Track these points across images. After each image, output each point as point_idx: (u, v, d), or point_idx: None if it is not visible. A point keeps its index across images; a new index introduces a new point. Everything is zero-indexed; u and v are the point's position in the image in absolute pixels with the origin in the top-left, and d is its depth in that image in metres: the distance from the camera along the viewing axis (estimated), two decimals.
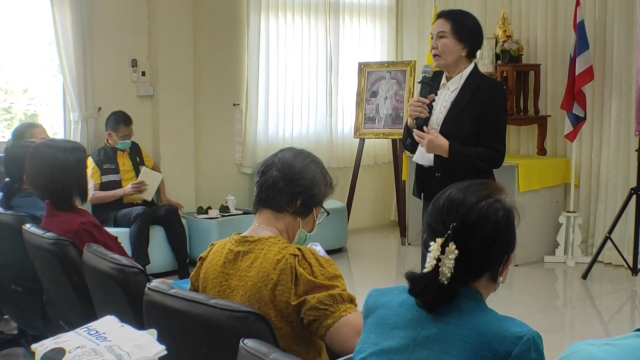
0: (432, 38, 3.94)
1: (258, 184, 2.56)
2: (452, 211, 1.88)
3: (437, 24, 3.91)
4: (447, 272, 1.81)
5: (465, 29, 3.87)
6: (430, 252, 1.84)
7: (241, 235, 2.52)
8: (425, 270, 1.84)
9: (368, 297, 2.03)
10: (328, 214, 2.67)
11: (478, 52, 7.43)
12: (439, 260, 1.82)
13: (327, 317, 2.28)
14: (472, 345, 1.77)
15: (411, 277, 1.88)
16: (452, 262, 1.81)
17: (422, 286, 1.84)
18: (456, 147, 3.78)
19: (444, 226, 1.86)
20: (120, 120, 6.72)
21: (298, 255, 2.34)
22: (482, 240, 1.86)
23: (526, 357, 1.74)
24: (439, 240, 1.83)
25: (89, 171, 6.30)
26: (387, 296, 1.98)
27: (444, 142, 3.78)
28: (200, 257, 2.62)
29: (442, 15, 3.96)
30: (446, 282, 1.82)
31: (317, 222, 2.63)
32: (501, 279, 1.93)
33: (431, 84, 3.92)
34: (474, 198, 1.89)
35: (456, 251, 1.81)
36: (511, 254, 1.92)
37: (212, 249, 2.60)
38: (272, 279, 2.33)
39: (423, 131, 3.88)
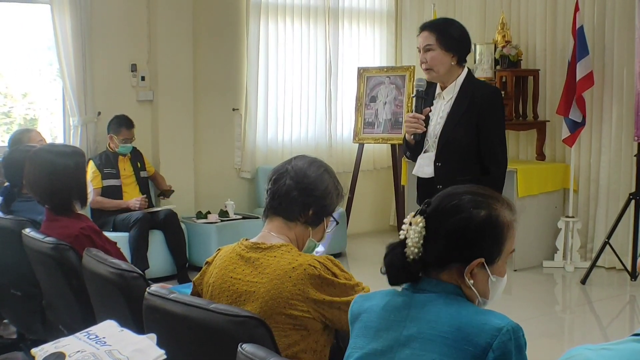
0: (419, 51, 3.88)
1: (270, 192, 2.55)
2: (440, 197, 1.97)
3: (422, 37, 3.84)
4: (411, 245, 1.88)
5: (450, 38, 3.82)
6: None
7: (251, 241, 2.51)
8: (399, 238, 1.93)
9: (353, 304, 2.05)
10: (338, 223, 2.68)
11: (477, 58, 7.49)
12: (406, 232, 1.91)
13: None
14: (452, 340, 1.78)
15: (387, 245, 1.97)
16: (417, 235, 1.89)
17: (388, 250, 1.94)
18: None
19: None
20: (123, 123, 6.73)
21: (317, 267, 2.35)
22: (448, 229, 1.90)
23: (506, 348, 1.75)
24: (412, 213, 1.93)
25: (90, 175, 6.40)
26: (371, 300, 2.01)
27: None
28: (207, 262, 2.62)
29: (425, 27, 3.88)
30: (411, 258, 1.89)
31: (327, 232, 2.64)
32: (471, 282, 1.91)
33: (426, 97, 3.90)
34: (467, 192, 1.96)
35: (423, 226, 1.89)
36: (481, 259, 1.91)
37: (218, 253, 2.59)
38: (286, 287, 2.33)
39: (422, 144, 3.88)
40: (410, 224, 1.91)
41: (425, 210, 1.92)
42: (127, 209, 6.60)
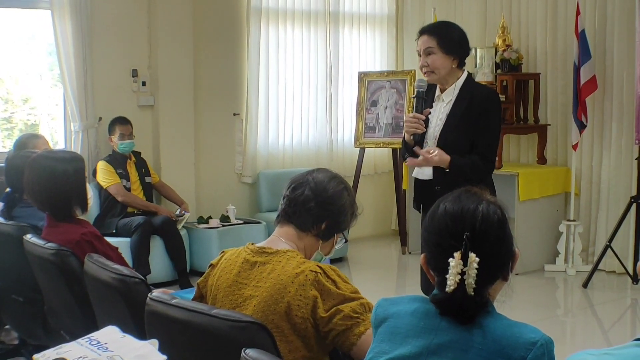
0: (419, 55, 3.89)
1: (286, 198, 2.57)
2: (458, 223, 1.86)
3: (422, 40, 3.85)
4: (472, 282, 1.80)
5: (451, 41, 3.83)
6: (449, 269, 1.80)
7: (258, 245, 2.53)
8: (450, 289, 1.80)
9: (377, 307, 2.02)
10: (346, 240, 2.71)
11: (477, 62, 7.49)
12: (462, 274, 1.79)
13: (359, 324, 2.30)
14: (486, 353, 1.77)
15: (440, 300, 1.85)
16: (475, 271, 1.79)
17: (458, 305, 1.81)
18: (455, 161, 3.78)
19: (455, 240, 1.83)
20: (116, 121, 6.78)
21: (320, 272, 2.36)
22: (493, 242, 1.85)
23: None
24: (457, 255, 1.80)
25: (104, 173, 6.48)
26: (397, 305, 1.97)
27: (445, 158, 3.77)
28: (211, 264, 2.63)
29: (425, 31, 3.89)
30: (473, 293, 1.80)
31: (335, 247, 2.66)
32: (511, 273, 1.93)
33: (426, 98, 3.91)
34: (470, 205, 1.89)
35: (477, 259, 1.79)
36: (515, 247, 1.92)
37: (223, 256, 2.60)
38: (289, 291, 2.34)
39: (422, 146, 3.90)
40: (465, 265, 1.79)
41: (470, 245, 1.81)
42: (130, 213, 6.61)
